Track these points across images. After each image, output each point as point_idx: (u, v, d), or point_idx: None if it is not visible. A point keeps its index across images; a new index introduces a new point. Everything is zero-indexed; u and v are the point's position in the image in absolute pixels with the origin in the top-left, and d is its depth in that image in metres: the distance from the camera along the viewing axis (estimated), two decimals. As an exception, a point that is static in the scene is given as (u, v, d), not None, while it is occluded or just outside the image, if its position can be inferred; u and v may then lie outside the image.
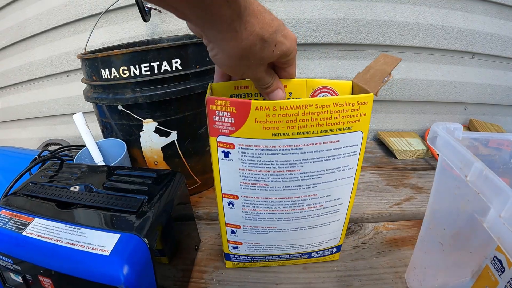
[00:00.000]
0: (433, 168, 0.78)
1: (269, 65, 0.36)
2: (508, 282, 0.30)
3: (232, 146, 0.36)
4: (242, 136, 0.35)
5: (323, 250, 0.48)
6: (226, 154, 0.36)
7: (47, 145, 1.14)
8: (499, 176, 0.37)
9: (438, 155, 0.77)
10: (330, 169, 0.38)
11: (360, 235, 0.56)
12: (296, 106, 0.32)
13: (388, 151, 0.87)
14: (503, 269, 0.31)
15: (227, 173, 0.38)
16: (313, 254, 0.48)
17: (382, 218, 0.61)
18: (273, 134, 0.34)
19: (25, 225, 0.36)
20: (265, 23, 0.29)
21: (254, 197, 0.40)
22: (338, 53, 0.89)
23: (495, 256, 0.32)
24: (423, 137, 0.91)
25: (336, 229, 0.46)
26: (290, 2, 0.82)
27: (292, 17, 0.83)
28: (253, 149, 0.35)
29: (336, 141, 0.36)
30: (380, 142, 0.94)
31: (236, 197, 0.40)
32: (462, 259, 0.38)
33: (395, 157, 0.84)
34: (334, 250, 0.49)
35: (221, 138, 0.35)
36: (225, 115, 0.34)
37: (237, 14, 0.26)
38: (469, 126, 0.98)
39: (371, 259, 0.51)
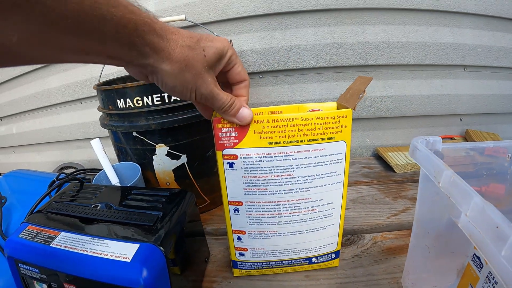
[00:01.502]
0: (430, 179, 0.81)
1: (219, 82, 0.39)
2: (486, 277, 0.33)
3: (235, 157, 0.42)
4: (244, 147, 0.42)
5: (322, 255, 0.52)
6: (231, 165, 0.43)
7: (62, 168, 1.19)
8: (496, 183, 0.41)
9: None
10: (319, 174, 0.44)
11: (359, 245, 0.60)
12: (285, 119, 0.40)
13: (387, 166, 0.90)
14: (481, 265, 0.33)
15: (232, 181, 0.44)
16: (313, 259, 0.52)
17: (380, 228, 0.64)
18: (268, 143, 0.41)
19: (52, 238, 0.41)
20: (185, 36, 0.33)
21: (256, 202, 0.46)
22: (335, 76, 0.93)
23: (474, 254, 0.35)
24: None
25: (332, 233, 0.50)
26: (287, 30, 0.87)
27: (289, 44, 0.88)
28: (253, 157, 0.42)
29: (322, 149, 0.42)
30: (379, 158, 0.96)
31: (240, 203, 0.46)
32: (447, 260, 0.41)
33: (394, 171, 0.86)
34: (333, 255, 0.53)
35: (226, 151, 0.42)
36: (230, 130, 0.41)
37: (159, 36, 0.31)
38: (466, 137, 1.00)
39: (369, 267, 0.54)
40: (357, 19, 0.86)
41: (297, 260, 0.52)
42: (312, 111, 0.47)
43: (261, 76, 0.94)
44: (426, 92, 0.96)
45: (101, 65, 0.75)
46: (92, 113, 1.09)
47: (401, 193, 0.76)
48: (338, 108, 0.46)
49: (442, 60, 0.92)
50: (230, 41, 0.77)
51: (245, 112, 0.39)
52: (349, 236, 0.62)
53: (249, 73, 0.90)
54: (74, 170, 0.90)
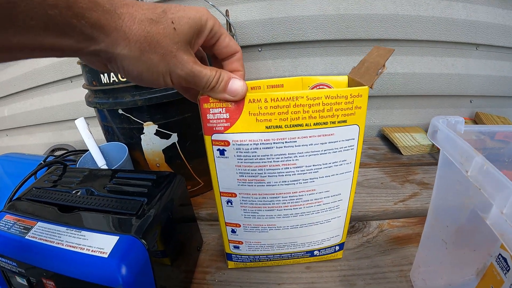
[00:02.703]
0: (439, 163, 0.77)
1: (198, 57, 0.32)
2: (513, 281, 0.29)
3: (227, 143, 0.36)
4: (236, 131, 0.35)
5: (325, 248, 0.48)
6: (222, 152, 0.37)
7: (53, 150, 1.15)
8: (506, 170, 0.36)
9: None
10: (326, 163, 0.38)
11: (364, 233, 0.56)
12: (287, 98, 0.33)
13: (393, 147, 0.86)
14: (508, 268, 0.30)
15: (224, 171, 0.39)
16: (315, 252, 0.48)
17: (387, 215, 0.60)
18: (266, 127, 0.35)
19: (28, 229, 0.37)
20: (145, 8, 0.26)
21: (252, 194, 0.40)
22: (339, 50, 0.88)
23: (499, 254, 0.31)
24: (428, 132, 0.90)
25: (337, 226, 0.45)
26: (288, 0, 0.81)
27: (290, 15, 0.82)
28: (248, 144, 0.36)
29: (331, 135, 0.36)
30: (385, 138, 0.93)
31: (234, 195, 0.41)
32: (466, 257, 0.38)
33: (400, 153, 0.83)
34: (337, 248, 0.48)
35: (215, 136, 0.36)
36: (220, 111, 0.34)
37: (106, 11, 0.24)
38: (476, 119, 0.96)
39: (375, 258, 0.50)
40: (365, -11, 0.80)
41: (298, 254, 0.48)
42: (318, 86, 0.41)
43: (260, 49, 0.89)
44: (437, 70, 0.91)
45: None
46: (83, 92, 1.04)
47: (408, 177, 0.72)
48: (350, 84, 0.40)
49: (453, 37, 0.87)
50: (226, 11, 0.71)
51: (236, 84, 0.33)
52: (354, 223, 0.58)
53: (247, 46, 0.86)
54: (64, 151, 0.85)
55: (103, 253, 0.33)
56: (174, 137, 0.61)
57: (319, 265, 0.49)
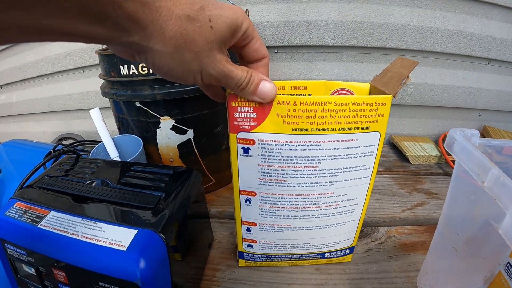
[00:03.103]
0: (447, 174, 0.78)
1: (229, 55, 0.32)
2: (520, 289, 0.29)
3: (252, 142, 0.36)
4: (263, 131, 0.35)
5: (336, 251, 0.48)
6: (246, 150, 0.37)
7: (61, 139, 1.15)
8: None
9: (453, 161, 0.77)
10: (347, 168, 0.38)
11: (372, 239, 0.56)
12: (316, 102, 0.33)
13: (402, 155, 0.87)
14: None
15: (246, 169, 0.39)
16: (326, 254, 0.48)
17: (395, 222, 0.61)
18: (293, 129, 0.35)
19: (41, 218, 0.36)
20: (183, 3, 0.25)
21: (272, 194, 0.40)
22: (354, 56, 0.88)
23: (508, 263, 0.32)
24: (436, 143, 0.90)
25: (350, 229, 0.46)
26: (308, 4, 0.81)
27: (308, 19, 0.82)
28: (273, 145, 0.36)
29: (354, 140, 0.36)
30: (393, 146, 0.93)
31: (253, 193, 0.41)
32: (475, 265, 0.38)
33: (409, 162, 0.83)
34: (347, 251, 0.49)
35: (241, 135, 0.36)
36: (247, 110, 0.35)
37: (143, 3, 0.23)
38: (483, 133, 0.96)
39: (383, 263, 0.51)
40: (384, -2, 0.81)
41: (309, 255, 0.48)
42: (340, 91, 0.42)
43: (276, 51, 0.89)
44: (448, 82, 0.91)
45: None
46: (95, 82, 1.05)
47: (416, 185, 0.73)
48: (371, 92, 0.40)
49: (466, 51, 0.87)
50: (246, 10, 0.71)
51: (267, 86, 0.32)
52: (363, 228, 0.59)
53: (262, 48, 0.86)
54: (73, 141, 0.86)
55: (121, 246, 0.32)
56: (190, 133, 0.61)
57: (328, 267, 0.50)
